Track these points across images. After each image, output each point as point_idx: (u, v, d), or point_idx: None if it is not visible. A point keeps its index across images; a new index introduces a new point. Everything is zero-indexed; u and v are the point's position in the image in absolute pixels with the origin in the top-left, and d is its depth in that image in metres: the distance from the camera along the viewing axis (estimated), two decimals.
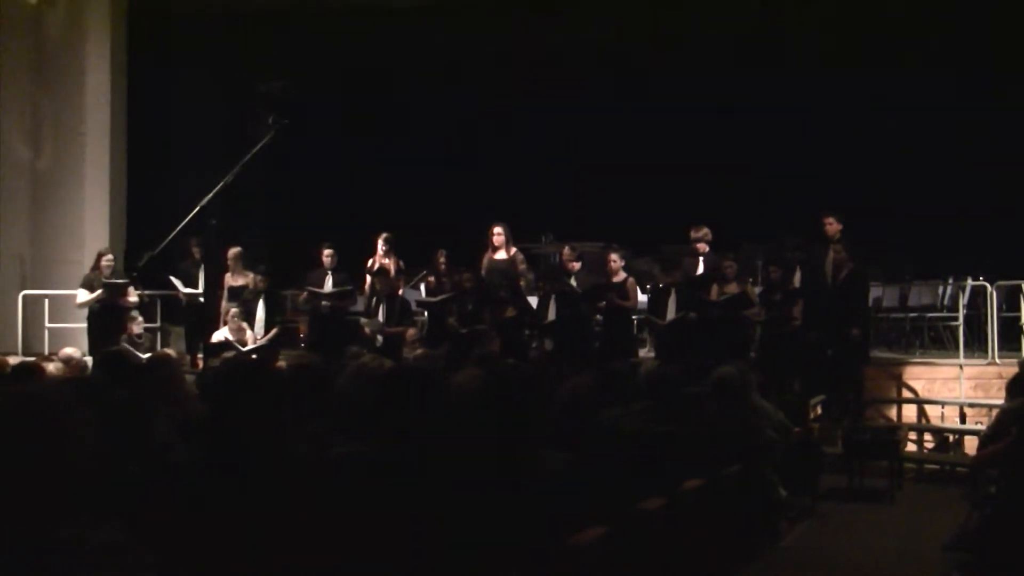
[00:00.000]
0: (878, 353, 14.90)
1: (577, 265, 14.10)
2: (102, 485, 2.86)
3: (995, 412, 11.92)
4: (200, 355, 14.33)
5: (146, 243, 15.03)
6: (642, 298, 14.47)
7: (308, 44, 19.95)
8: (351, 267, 14.89)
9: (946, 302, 15.77)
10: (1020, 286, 14.55)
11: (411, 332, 13.92)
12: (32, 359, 10.85)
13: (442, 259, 14.62)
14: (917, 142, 17.89)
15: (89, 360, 11.45)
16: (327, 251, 14.59)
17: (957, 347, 14.30)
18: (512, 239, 14.44)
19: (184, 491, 3.71)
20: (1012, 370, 10.80)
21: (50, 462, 2.58)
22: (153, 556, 2.69)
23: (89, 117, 17.14)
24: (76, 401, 2.74)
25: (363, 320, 14.49)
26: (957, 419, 13.32)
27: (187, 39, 19.83)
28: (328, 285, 14.48)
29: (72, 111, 17.17)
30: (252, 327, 14.21)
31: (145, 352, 12.80)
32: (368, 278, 14.72)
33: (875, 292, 15.49)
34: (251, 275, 14.65)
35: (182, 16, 19.40)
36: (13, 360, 9.91)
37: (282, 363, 10.53)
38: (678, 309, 13.56)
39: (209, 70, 20.72)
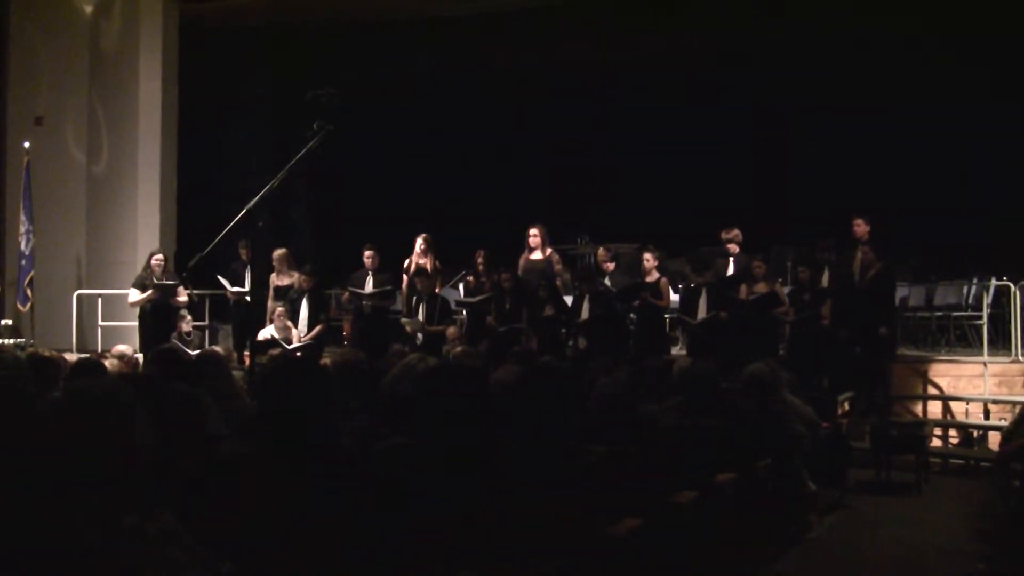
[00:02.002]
0: (905, 351, 14.82)
1: (612, 266, 14.10)
2: (159, 477, 2.89)
3: (1018, 408, 11.89)
4: (247, 352, 14.41)
5: (196, 244, 15.13)
6: (674, 297, 14.45)
7: (354, 52, 20.03)
8: (395, 267, 14.94)
9: (971, 301, 15.66)
10: None
11: (451, 331, 13.94)
12: (88, 355, 10.92)
13: (481, 259, 14.63)
14: (943, 145, 17.78)
15: (140, 357, 11.55)
16: (368, 252, 14.64)
17: (982, 345, 14.22)
18: (548, 240, 14.46)
19: (235, 483, 3.74)
20: None
21: (114, 454, 2.62)
22: (205, 546, 2.72)
23: (142, 124, 17.31)
24: (135, 396, 2.78)
25: (404, 319, 14.53)
26: (981, 415, 13.24)
27: (236, 48, 19.96)
28: (369, 285, 14.53)
29: (126, 118, 17.35)
30: (296, 325, 14.29)
31: (194, 349, 12.90)
32: (406, 278, 14.77)
33: (902, 292, 15.41)
34: (296, 275, 14.71)
35: (232, 26, 19.51)
36: (69, 357, 9.98)
37: (326, 360, 10.58)
38: (709, 308, 13.53)
39: (258, 77, 20.86)
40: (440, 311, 14.23)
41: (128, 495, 2.61)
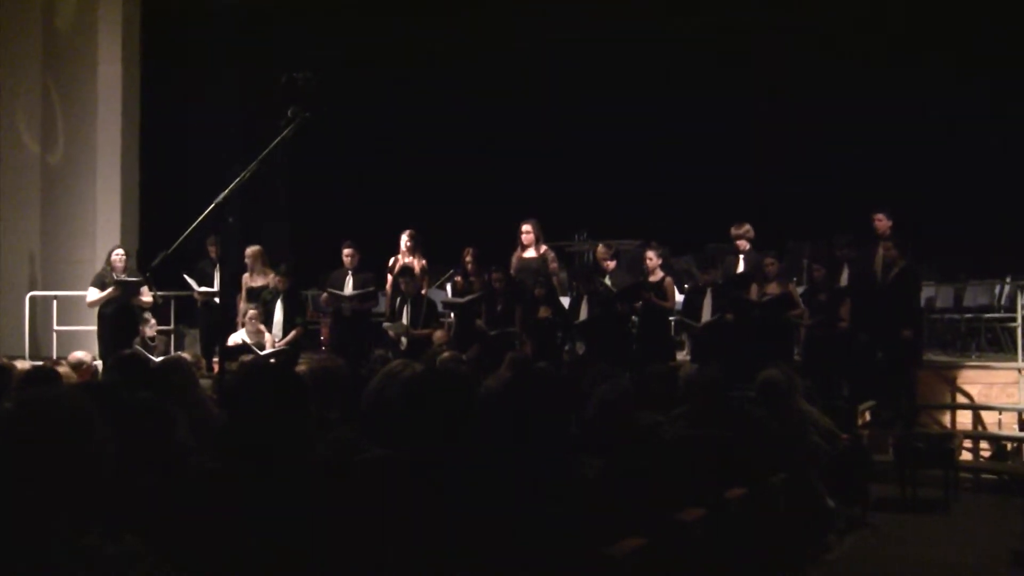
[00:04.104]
0: (931, 356, 14.82)
1: (612, 264, 14.12)
2: (123, 493, 2.90)
3: None
4: (216, 358, 14.37)
5: (161, 241, 15.12)
6: (680, 298, 14.46)
7: (334, 34, 20.02)
8: (377, 266, 14.95)
9: (1004, 302, 15.68)
10: None
11: (438, 334, 13.94)
12: (42, 362, 10.92)
13: (470, 257, 14.61)
14: (972, 136, 17.81)
15: (100, 364, 11.54)
16: (347, 250, 14.62)
17: (1016, 350, 14.23)
18: (543, 237, 14.47)
19: (204, 499, 3.75)
20: None
21: (72, 469, 2.63)
22: (172, 566, 2.73)
23: (101, 110, 17.23)
24: (96, 406, 2.78)
25: (386, 323, 14.52)
26: (1016, 426, 13.26)
27: (203, 28, 19.92)
28: (349, 286, 14.52)
29: (83, 104, 17.27)
30: (270, 329, 14.27)
31: (159, 355, 12.89)
32: (389, 277, 14.77)
33: (928, 292, 15.41)
34: (271, 274, 14.68)
35: (198, 4, 19.48)
36: (21, 364, 9.98)
37: (302, 367, 10.58)
38: (715, 310, 13.53)
39: (227, 60, 20.81)
40: (426, 313, 14.23)
41: (88, 514, 2.62)
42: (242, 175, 7.86)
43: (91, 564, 2.55)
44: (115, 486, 2.79)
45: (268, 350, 13.89)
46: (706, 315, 13.61)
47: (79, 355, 10.93)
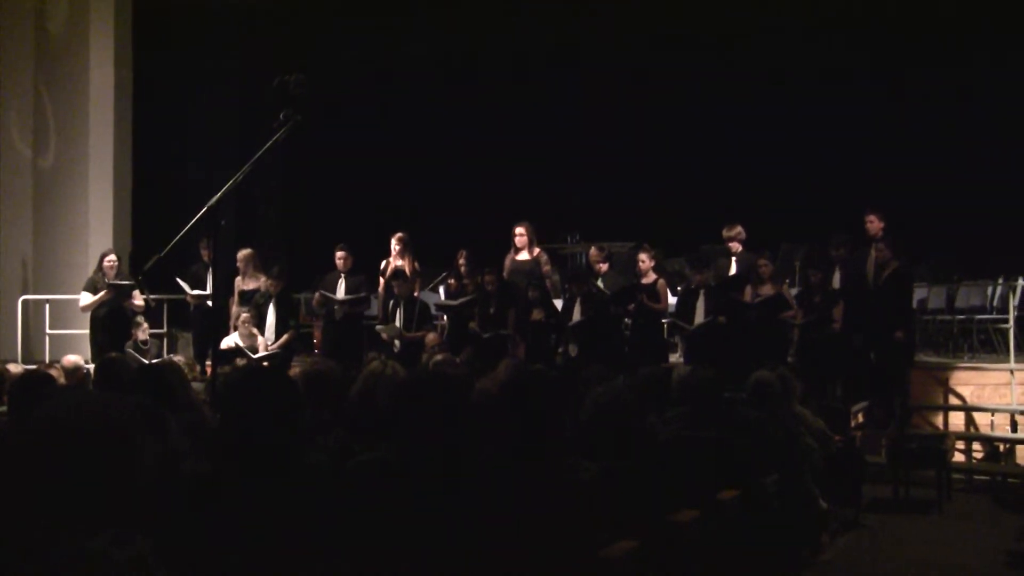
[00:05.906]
0: (924, 357, 14.82)
1: (605, 266, 14.12)
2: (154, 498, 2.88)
3: None
4: (209, 362, 14.36)
5: (153, 245, 15.09)
6: (673, 300, 14.45)
7: (327, 36, 20.01)
8: (370, 269, 14.93)
9: (996, 303, 15.68)
10: None
11: (431, 337, 13.92)
12: (35, 366, 10.89)
13: (463, 260, 14.59)
14: (964, 136, 17.82)
15: (93, 368, 11.52)
16: (340, 253, 14.61)
17: (1008, 351, 14.22)
18: (536, 239, 14.47)
19: (197, 504, 3.74)
20: None
21: (117, 475, 2.61)
22: (171, 570, 2.72)
23: (93, 114, 17.19)
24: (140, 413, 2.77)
25: (379, 326, 14.50)
26: (1008, 427, 13.26)
27: (195, 31, 19.88)
28: (341, 288, 14.50)
29: (76, 108, 17.24)
30: (263, 332, 14.25)
31: (152, 359, 12.87)
32: (382, 280, 14.75)
33: (920, 293, 15.39)
34: (263, 278, 14.65)
35: (190, 7, 19.45)
36: (14, 367, 9.96)
37: (295, 370, 10.56)
38: (708, 312, 13.53)
39: (219, 63, 20.78)
40: (419, 316, 14.22)
41: (99, 516, 2.60)
42: (235, 178, 7.85)
43: (94, 568, 2.53)
44: (154, 492, 2.78)
45: (261, 353, 13.87)
46: (699, 317, 13.60)
47: (73, 359, 10.91)
